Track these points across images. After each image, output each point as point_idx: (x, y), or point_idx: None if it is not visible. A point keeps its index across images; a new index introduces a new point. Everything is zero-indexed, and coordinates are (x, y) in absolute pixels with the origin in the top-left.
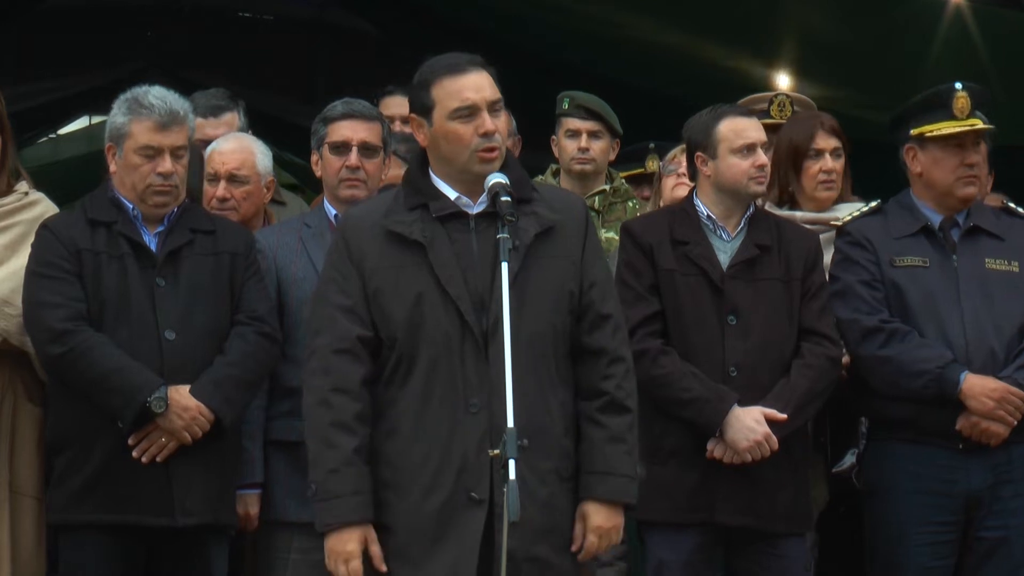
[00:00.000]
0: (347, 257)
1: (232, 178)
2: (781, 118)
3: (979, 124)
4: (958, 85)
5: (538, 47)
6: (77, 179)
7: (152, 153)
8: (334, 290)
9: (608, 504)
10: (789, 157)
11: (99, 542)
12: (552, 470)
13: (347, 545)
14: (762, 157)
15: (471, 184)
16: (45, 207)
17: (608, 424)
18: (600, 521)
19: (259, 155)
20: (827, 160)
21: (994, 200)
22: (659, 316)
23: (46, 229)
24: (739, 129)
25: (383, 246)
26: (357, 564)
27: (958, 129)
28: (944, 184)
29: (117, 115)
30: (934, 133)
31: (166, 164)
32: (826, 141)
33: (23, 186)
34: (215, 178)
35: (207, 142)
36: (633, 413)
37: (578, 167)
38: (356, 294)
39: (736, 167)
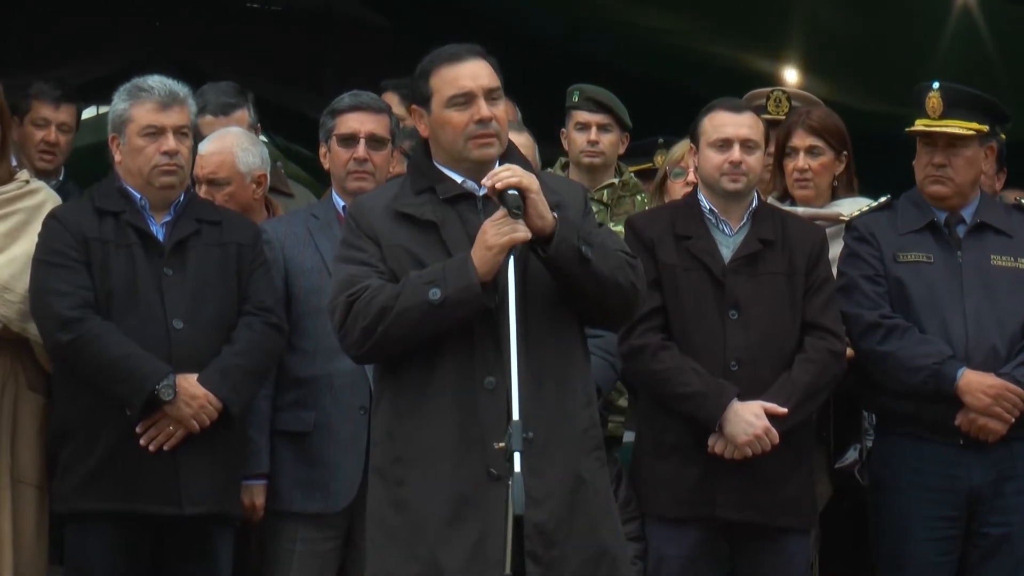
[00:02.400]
0: (361, 234)
1: (211, 182)
2: (777, 114)
3: (948, 125)
4: (935, 84)
5: (548, 39)
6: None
7: (155, 132)
8: (349, 267)
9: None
10: (776, 154)
11: (104, 531)
12: (573, 448)
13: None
14: (736, 154)
15: (473, 171)
16: (46, 195)
17: None
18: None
19: (240, 153)
20: (800, 159)
21: (1012, 195)
22: (660, 311)
23: (53, 218)
24: (717, 123)
25: (394, 227)
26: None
27: (917, 129)
28: (918, 180)
29: (118, 103)
30: (908, 130)
31: (170, 143)
32: (802, 140)
33: (24, 174)
34: (199, 182)
35: None
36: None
37: (587, 160)
38: (376, 260)
39: (710, 161)
